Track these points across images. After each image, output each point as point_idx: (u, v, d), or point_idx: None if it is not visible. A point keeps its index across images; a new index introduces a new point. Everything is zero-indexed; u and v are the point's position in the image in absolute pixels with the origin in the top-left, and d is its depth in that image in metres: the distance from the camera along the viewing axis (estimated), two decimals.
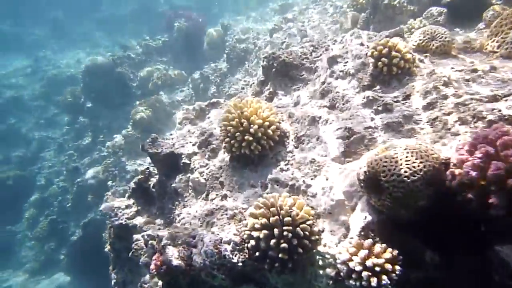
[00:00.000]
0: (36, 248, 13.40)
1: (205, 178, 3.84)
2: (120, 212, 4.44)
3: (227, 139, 3.43)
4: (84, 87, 13.06)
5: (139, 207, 4.44)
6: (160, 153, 4.19)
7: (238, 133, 3.35)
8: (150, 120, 9.93)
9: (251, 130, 3.31)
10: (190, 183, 3.96)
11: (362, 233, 2.56)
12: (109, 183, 9.59)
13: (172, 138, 4.61)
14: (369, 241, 2.42)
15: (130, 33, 22.16)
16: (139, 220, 4.30)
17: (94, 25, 23.70)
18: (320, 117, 3.34)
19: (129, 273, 4.34)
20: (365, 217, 2.59)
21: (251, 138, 3.31)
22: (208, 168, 3.88)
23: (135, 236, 3.84)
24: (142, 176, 4.45)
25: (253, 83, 4.80)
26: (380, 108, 3.05)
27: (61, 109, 16.99)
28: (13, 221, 14.89)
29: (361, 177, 2.54)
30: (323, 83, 3.59)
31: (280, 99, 4.14)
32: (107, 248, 4.77)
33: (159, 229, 4.15)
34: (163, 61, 13.00)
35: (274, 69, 4.17)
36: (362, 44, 3.59)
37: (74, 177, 12.98)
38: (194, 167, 3.99)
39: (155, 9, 19.78)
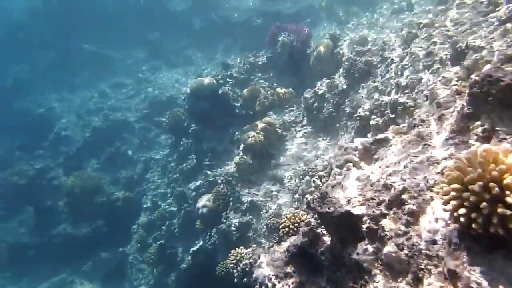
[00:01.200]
0: (146, 272, 13.52)
1: (407, 254, 2.80)
2: (278, 282, 3.59)
3: (462, 211, 2.35)
4: (188, 108, 12.95)
5: (301, 278, 3.54)
6: (333, 213, 3.24)
7: (483, 204, 2.26)
8: (262, 145, 9.23)
9: (508, 199, 2.20)
10: (383, 258, 2.94)
11: None
12: (223, 214, 9.03)
13: (332, 186, 3.66)
14: None
15: (223, 50, 22.27)
16: None
17: (188, 43, 24.29)
18: None
19: None
20: None
21: (508, 212, 2.20)
22: (409, 239, 2.83)
23: None
24: (306, 239, 3.54)
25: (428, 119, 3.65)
26: None
27: (163, 130, 17.35)
28: (124, 242, 15.33)
29: None
30: None
31: (504, 138, 2.96)
32: None
33: None
34: (267, 78, 12.36)
35: (490, 98, 3.00)
36: None
37: (181, 201, 12.88)
38: (385, 235, 2.98)
39: (250, 23, 19.51)
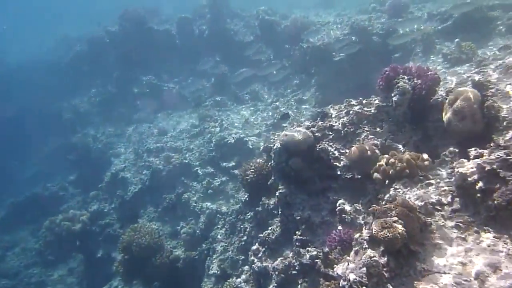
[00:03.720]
0: None
1: None
2: None
3: None
4: (276, 165, 10.61)
5: None
6: None
7: None
8: (401, 238, 6.54)
9: None
10: None
11: None
12: None
13: None
14: None
15: (295, 86, 20.06)
16: None
17: (254, 77, 22.35)
18: None
19: None
20: None
21: None
22: None
23: None
24: None
25: None
26: None
27: (233, 180, 15.16)
28: None
29: None
30: None
31: None
32: None
33: None
34: (377, 133, 9.76)
35: None
36: None
37: (261, 280, 10.35)
38: None
39: (330, 58, 17.21)
